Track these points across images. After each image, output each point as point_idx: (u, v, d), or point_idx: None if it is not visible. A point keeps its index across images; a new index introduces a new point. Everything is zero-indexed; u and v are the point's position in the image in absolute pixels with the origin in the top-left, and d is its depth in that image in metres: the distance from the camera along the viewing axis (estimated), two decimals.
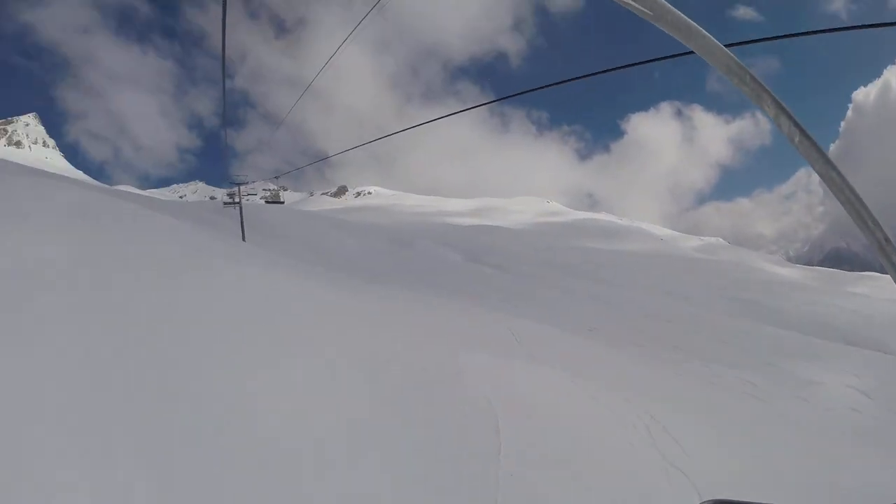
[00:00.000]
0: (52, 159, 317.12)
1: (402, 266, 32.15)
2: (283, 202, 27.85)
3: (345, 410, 4.96)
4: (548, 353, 9.07)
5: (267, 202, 27.66)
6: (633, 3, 1.12)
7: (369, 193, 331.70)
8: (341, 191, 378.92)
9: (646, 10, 1.15)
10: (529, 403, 6.25)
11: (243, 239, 25.17)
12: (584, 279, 35.24)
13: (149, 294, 6.37)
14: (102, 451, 3.35)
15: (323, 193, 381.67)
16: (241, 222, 27.62)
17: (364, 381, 5.74)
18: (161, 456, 3.48)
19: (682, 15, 1.16)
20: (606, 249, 67.35)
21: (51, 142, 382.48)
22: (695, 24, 1.18)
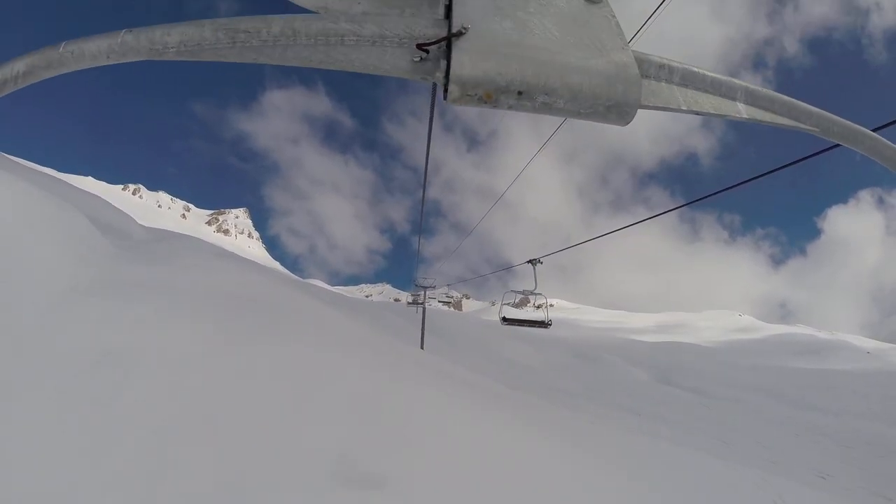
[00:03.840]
0: (252, 248, 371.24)
1: (591, 386, 28.74)
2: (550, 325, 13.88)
3: None
4: None
5: (504, 321, 13.18)
6: (801, 124, 1.14)
7: (551, 305, 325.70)
8: (523, 302, 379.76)
9: (811, 128, 1.15)
10: None
11: (422, 346, 23.83)
12: (794, 406, 29.98)
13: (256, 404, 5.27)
14: None
15: (504, 304, 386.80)
16: (423, 329, 26.79)
17: None
18: None
19: (849, 122, 1.17)
20: (812, 369, 56.15)
21: (255, 234, 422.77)
22: (862, 127, 1.17)
